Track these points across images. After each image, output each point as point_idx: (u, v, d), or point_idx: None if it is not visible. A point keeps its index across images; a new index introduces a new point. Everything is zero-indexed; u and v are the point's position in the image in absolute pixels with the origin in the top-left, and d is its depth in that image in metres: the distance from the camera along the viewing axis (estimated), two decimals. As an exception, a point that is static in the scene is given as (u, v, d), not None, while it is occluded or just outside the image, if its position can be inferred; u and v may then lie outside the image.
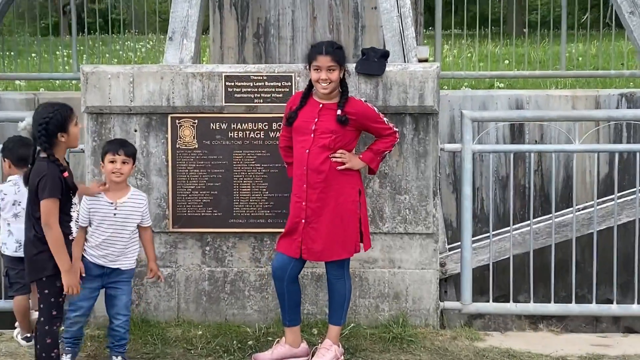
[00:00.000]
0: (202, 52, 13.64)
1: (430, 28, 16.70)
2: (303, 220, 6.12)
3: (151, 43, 15.79)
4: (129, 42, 15.49)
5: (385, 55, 6.85)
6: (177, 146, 6.90)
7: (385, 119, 6.27)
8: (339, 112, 6.10)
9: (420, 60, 6.97)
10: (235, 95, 6.84)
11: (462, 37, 13.64)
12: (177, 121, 6.88)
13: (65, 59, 13.84)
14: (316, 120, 6.12)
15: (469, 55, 13.89)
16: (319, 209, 6.11)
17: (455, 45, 14.34)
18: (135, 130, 6.93)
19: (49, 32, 14.11)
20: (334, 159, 6.14)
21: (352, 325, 6.83)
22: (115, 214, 6.11)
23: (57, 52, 14.16)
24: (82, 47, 15.62)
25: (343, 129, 6.09)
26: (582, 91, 10.09)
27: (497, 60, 13.89)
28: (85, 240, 6.10)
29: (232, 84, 6.84)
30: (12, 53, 13.81)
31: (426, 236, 6.89)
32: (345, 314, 6.34)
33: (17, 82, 12.12)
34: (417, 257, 6.91)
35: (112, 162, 6.07)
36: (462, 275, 6.99)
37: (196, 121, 6.87)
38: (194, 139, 6.87)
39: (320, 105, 6.18)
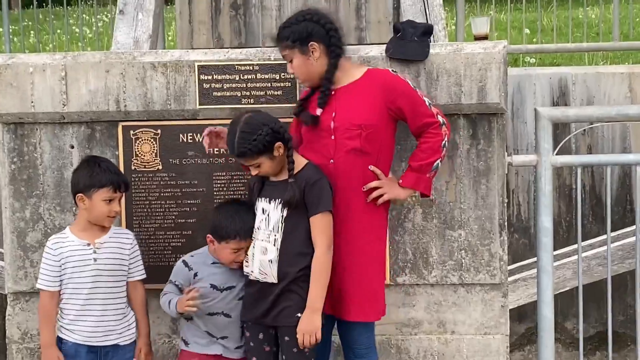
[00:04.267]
0: (168, 27, 11.39)
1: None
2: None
3: (110, 15, 13.49)
4: (84, 15, 13.18)
5: (428, 31, 4.68)
6: (133, 167, 4.72)
7: (426, 99, 4.23)
8: (318, 111, 4.19)
9: (477, 38, 4.82)
10: (214, 93, 4.66)
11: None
12: (131, 132, 4.71)
13: (11, 37, 11.44)
14: (334, 114, 4.12)
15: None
16: (350, 245, 4.19)
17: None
18: (72, 147, 4.74)
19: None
20: (366, 189, 4.18)
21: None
22: (95, 260, 4.20)
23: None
24: (30, 22, 13.34)
25: (376, 120, 4.15)
26: (641, 67, 7.96)
27: (504, 29, 11.69)
28: (59, 311, 4.28)
29: (210, 77, 4.65)
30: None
31: (491, 288, 4.78)
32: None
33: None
34: (478, 318, 4.79)
35: (109, 200, 4.17)
36: (540, 356, 4.78)
37: (159, 132, 4.70)
38: (156, 156, 4.70)
39: (332, 92, 4.21)
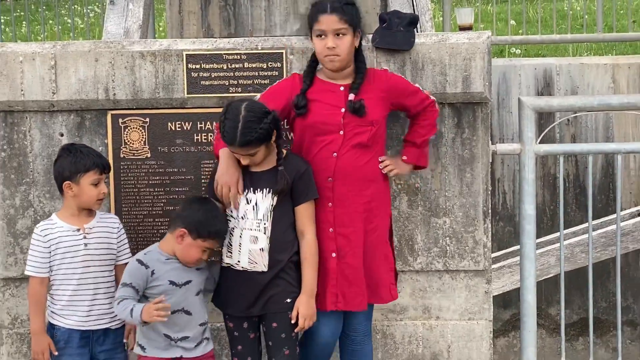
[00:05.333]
0: (159, 17, 11.38)
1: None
2: (334, 254, 4.20)
3: (101, 6, 13.46)
4: (76, 5, 13.15)
5: (413, 21, 4.69)
6: (122, 155, 4.73)
7: (416, 84, 4.43)
8: (351, 96, 4.18)
9: (462, 28, 4.82)
10: (202, 82, 4.66)
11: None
12: (120, 120, 4.71)
13: (3, 27, 11.43)
14: (344, 110, 4.18)
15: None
16: (354, 235, 4.20)
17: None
18: (62, 135, 4.75)
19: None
20: (382, 166, 4.32)
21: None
22: (85, 245, 4.20)
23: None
24: (21, 13, 13.30)
25: (383, 117, 4.32)
26: (625, 58, 7.99)
27: (490, 20, 11.72)
28: (50, 298, 4.28)
29: (198, 66, 4.66)
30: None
31: (474, 274, 4.80)
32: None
33: None
34: (462, 304, 4.82)
35: (96, 184, 4.16)
36: (523, 340, 4.82)
37: (148, 120, 4.70)
38: (144, 144, 4.71)
39: (342, 88, 4.24)
